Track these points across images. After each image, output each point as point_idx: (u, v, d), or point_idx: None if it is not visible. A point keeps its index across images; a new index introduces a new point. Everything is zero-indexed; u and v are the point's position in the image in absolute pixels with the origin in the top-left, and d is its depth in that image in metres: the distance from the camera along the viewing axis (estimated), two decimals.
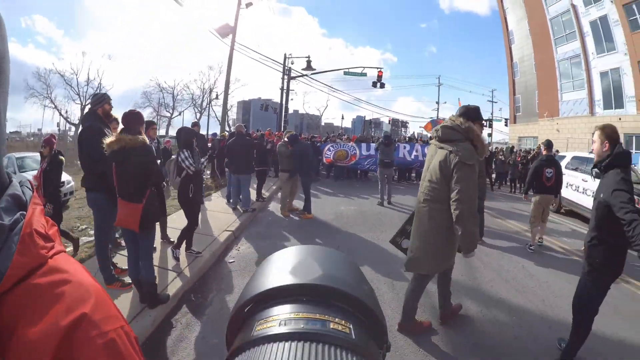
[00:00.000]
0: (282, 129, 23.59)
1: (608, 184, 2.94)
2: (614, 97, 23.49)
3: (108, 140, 3.76)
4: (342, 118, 75.60)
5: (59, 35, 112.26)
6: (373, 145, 15.38)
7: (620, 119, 22.28)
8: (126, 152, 3.70)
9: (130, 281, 4.38)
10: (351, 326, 0.44)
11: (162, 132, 47.97)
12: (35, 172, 5.78)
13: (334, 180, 15.85)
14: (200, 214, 6.14)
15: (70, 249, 5.62)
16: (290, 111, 37.14)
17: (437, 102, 49.85)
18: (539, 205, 6.92)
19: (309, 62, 23.84)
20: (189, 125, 7.71)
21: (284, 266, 0.53)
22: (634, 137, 22.24)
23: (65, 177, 9.70)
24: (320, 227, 8.10)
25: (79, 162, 4.82)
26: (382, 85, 23.40)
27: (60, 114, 44.90)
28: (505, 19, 35.85)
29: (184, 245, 5.56)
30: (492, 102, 46.01)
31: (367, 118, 76.20)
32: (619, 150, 3.07)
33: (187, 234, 5.48)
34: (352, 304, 0.48)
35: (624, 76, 22.58)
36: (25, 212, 0.62)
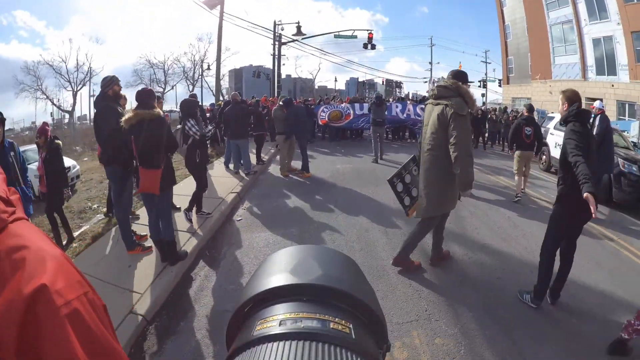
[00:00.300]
0: (276, 95, 23.75)
1: (564, 135, 3.49)
2: (607, 64, 23.30)
3: (126, 116, 4.15)
4: (335, 80, 75.10)
5: (42, 26, 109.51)
6: (366, 105, 15.68)
7: (613, 85, 22.33)
8: (144, 124, 4.10)
9: (150, 245, 4.86)
10: (351, 326, 0.44)
11: None
12: (37, 163, 5.75)
13: (329, 141, 16.20)
14: None
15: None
16: (283, 76, 36.70)
17: (430, 63, 49.31)
18: (521, 160, 7.54)
19: (298, 27, 24.07)
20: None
21: (284, 266, 0.54)
22: (626, 105, 22.11)
23: (70, 162, 10.06)
24: (318, 184, 8.58)
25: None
26: (373, 47, 23.73)
27: (53, 103, 43.82)
28: None
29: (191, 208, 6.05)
30: (486, 62, 45.26)
31: (360, 79, 75.65)
32: (573, 108, 3.60)
33: (197, 197, 5.95)
34: (352, 303, 0.48)
35: (617, 45, 22.35)
36: None
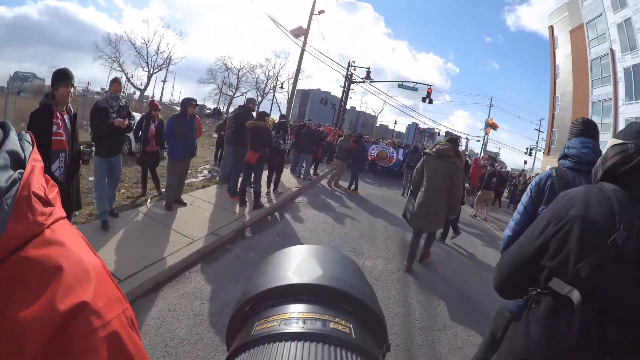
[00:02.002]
0: (339, 126, 27.10)
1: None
2: None
3: (248, 122, 7.64)
4: (395, 123, 77.99)
5: (121, 0, 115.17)
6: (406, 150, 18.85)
7: None
8: (258, 128, 7.62)
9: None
10: (351, 326, 0.45)
11: (223, 109, 50.61)
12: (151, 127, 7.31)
13: (373, 174, 19.68)
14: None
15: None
16: (348, 107, 38.56)
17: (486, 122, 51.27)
18: (482, 196, 12.28)
19: (368, 72, 27.62)
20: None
21: (283, 266, 0.55)
22: None
23: None
24: (354, 198, 11.79)
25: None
26: (430, 102, 26.51)
27: (128, 79, 47.84)
28: (554, 52, 36.47)
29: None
30: (539, 131, 45.63)
31: (421, 126, 78.25)
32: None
33: (275, 180, 9.47)
34: (352, 303, 0.49)
35: None
36: (23, 171, 0.58)
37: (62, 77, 3.46)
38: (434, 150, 5.99)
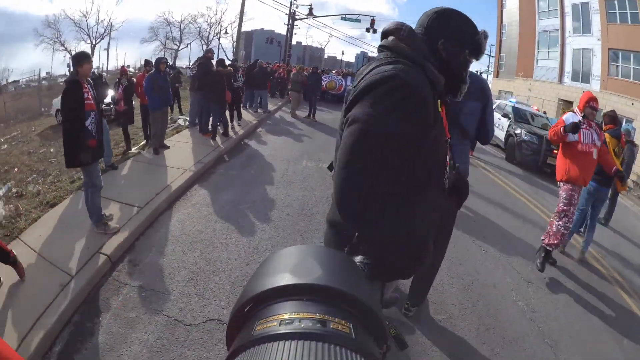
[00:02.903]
0: (286, 63, 28.29)
1: None
2: (582, 73, 25.63)
3: (220, 69, 8.98)
4: (342, 53, 78.52)
5: None
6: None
7: (584, 92, 23.81)
8: (230, 74, 9.03)
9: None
10: (351, 326, 0.45)
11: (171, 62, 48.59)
12: (119, 91, 8.15)
13: (326, 101, 21.00)
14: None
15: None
16: (294, 43, 39.08)
17: None
18: None
19: (310, 9, 28.57)
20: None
21: (283, 266, 0.55)
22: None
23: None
24: (310, 123, 13.47)
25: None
26: (375, 31, 27.93)
27: (71, 55, 45.00)
28: None
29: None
30: (490, 55, 47.51)
31: (369, 55, 78.99)
32: None
33: (237, 114, 10.90)
34: (352, 303, 0.49)
35: (594, 57, 24.58)
36: None
37: (85, 57, 4.26)
38: None
